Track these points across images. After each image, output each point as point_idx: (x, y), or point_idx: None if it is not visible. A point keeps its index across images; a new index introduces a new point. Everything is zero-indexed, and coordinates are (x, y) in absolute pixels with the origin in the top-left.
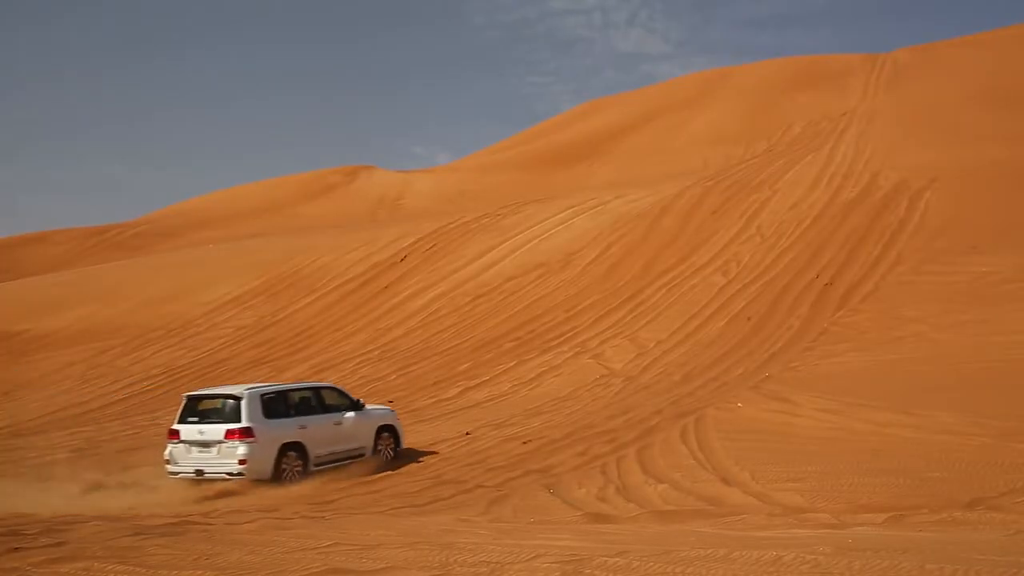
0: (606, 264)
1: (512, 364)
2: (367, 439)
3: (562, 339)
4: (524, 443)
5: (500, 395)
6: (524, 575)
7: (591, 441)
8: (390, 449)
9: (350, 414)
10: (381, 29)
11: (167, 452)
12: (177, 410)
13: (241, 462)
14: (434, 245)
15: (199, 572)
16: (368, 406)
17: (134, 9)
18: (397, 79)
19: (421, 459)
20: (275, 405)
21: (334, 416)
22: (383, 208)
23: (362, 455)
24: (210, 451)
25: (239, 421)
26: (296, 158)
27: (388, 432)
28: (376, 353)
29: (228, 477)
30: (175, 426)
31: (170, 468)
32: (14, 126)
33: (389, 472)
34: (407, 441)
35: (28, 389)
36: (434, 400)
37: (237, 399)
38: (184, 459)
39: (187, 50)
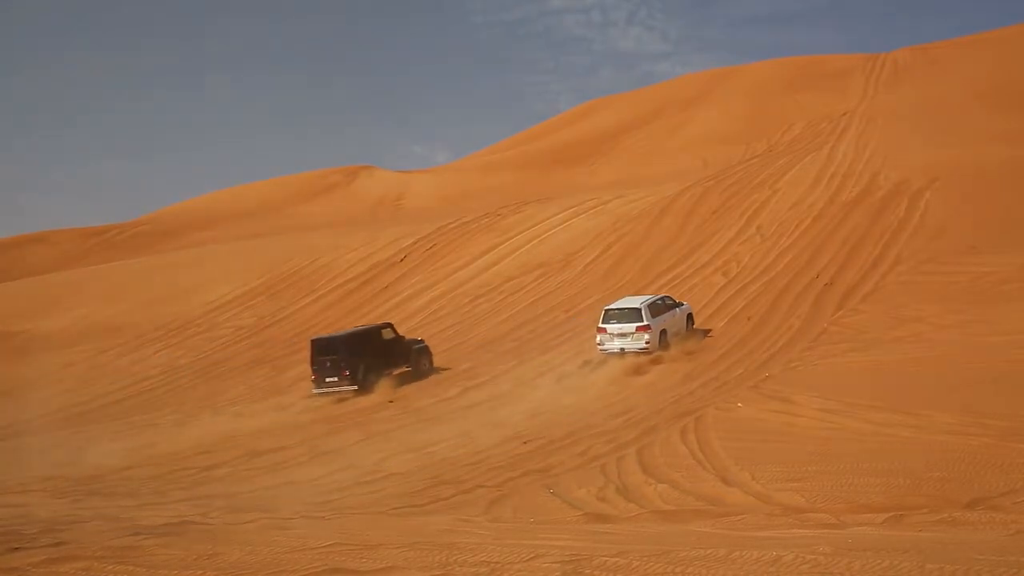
0: (606, 264)
1: (512, 364)
2: (683, 323)
3: (562, 339)
4: (524, 443)
5: (500, 395)
6: (524, 575)
7: (591, 441)
8: (692, 327)
9: (677, 309)
10: (381, 28)
11: (598, 339)
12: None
13: (647, 343)
14: (434, 245)
15: (199, 572)
16: (683, 303)
17: (135, 8)
18: (396, 77)
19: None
20: (654, 308)
21: (673, 311)
22: (383, 208)
23: (685, 332)
24: (626, 338)
25: (642, 320)
26: (296, 158)
27: (690, 318)
28: None
29: (639, 351)
30: (602, 325)
31: (601, 348)
32: (14, 125)
33: (389, 472)
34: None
35: (28, 389)
36: (434, 400)
37: (637, 309)
38: (611, 343)
39: (188, 50)
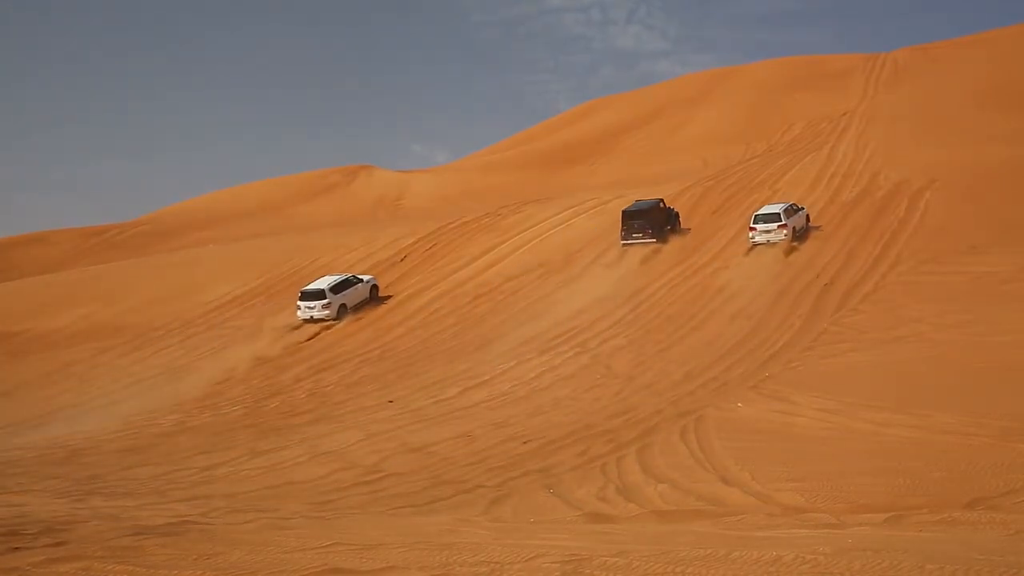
0: (606, 264)
1: (512, 364)
2: (804, 222)
3: (562, 339)
4: (524, 443)
5: (500, 395)
6: (524, 575)
7: (591, 441)
8: (808, 224)
9: (800, 212)
10: (379, 27)
11: (750, 234)
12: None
13: (785, 235)
14: (434, 245)
15: (199, 572)
16: (803, 207)
17: (134, 8)
18: (395, 76)
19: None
20: (788, 212)
21: (799, 213)
22: (383, 208)
23: (805, 228)
24: (770, 233)
25: (781, 221)
26: (296, 158)
27: (807, 218)
28: (376, 353)
29: (780, 240)
30: (752, 225)
31: (752, 240)
32: (14, 125)
33: (389, 472)
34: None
35: (28, 389)
36: (434, 400)
37: (778, 213)
38: (759, 237)
39: (187, 50)
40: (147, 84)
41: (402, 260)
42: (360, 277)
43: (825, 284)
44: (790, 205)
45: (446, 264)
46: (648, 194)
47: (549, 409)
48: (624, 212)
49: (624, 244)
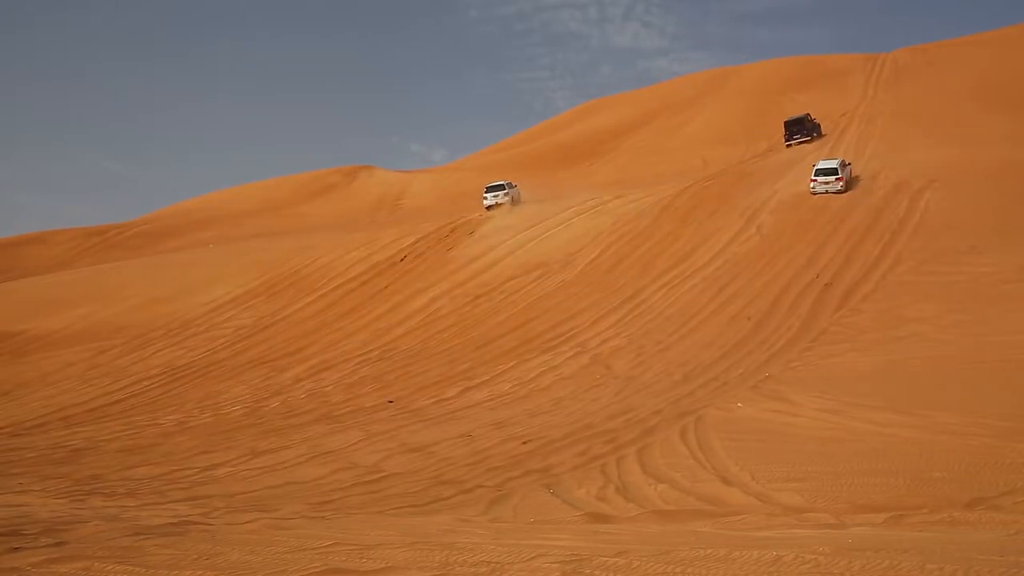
0: (606, 264)
1: (512, 364)
2: (850, 175)
3: (562, 339)
4: (524, 443)
5: (500, 395)
6: (524, 575)
7: (591, 441)
8: (852, 176)
9: (849, 166)
10: (377, 26)
11: (811, 185)
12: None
13: (841, 186)
14: (434, 245)
15: (199, 572)
16: (850, 162)
17: (134, 8)
18: (392, 75)
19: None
20: (842, 167)
21: (848, 167)
22: (383, 208)
23: (842, 190)
24: (828, 184)
25: (839, 174)
26: (296, 158)
27: (850, 171)
28: (376, 353)
29: (837, 189)
30: (813, 177)
31: (813, 190)
32: (14, 125)
33: (389, 472)
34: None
35: (28, 389)
36: (434, 400)
37: (835, 168)
38: (819, 187)
39: (187, 50)
40: (147, 84)
41: (402, 260)
42: (513, 184)
43: (825, 284)
44: (843, 161)
45: (446, 264)
46: (648, 194)
47: (549, 409)
48: (785, 122)
49: (788, 145)
